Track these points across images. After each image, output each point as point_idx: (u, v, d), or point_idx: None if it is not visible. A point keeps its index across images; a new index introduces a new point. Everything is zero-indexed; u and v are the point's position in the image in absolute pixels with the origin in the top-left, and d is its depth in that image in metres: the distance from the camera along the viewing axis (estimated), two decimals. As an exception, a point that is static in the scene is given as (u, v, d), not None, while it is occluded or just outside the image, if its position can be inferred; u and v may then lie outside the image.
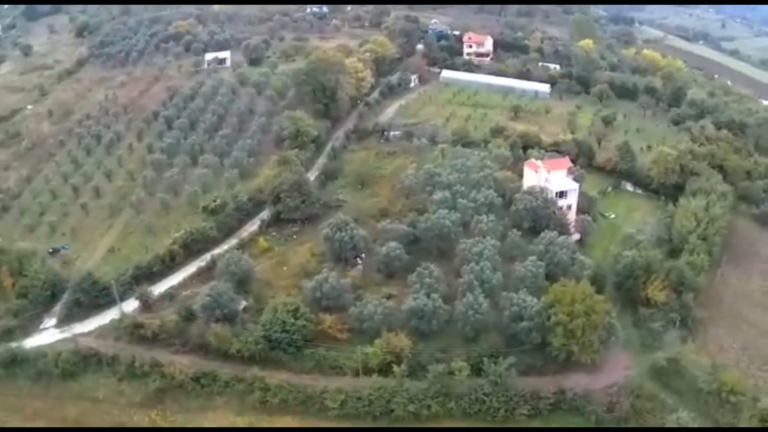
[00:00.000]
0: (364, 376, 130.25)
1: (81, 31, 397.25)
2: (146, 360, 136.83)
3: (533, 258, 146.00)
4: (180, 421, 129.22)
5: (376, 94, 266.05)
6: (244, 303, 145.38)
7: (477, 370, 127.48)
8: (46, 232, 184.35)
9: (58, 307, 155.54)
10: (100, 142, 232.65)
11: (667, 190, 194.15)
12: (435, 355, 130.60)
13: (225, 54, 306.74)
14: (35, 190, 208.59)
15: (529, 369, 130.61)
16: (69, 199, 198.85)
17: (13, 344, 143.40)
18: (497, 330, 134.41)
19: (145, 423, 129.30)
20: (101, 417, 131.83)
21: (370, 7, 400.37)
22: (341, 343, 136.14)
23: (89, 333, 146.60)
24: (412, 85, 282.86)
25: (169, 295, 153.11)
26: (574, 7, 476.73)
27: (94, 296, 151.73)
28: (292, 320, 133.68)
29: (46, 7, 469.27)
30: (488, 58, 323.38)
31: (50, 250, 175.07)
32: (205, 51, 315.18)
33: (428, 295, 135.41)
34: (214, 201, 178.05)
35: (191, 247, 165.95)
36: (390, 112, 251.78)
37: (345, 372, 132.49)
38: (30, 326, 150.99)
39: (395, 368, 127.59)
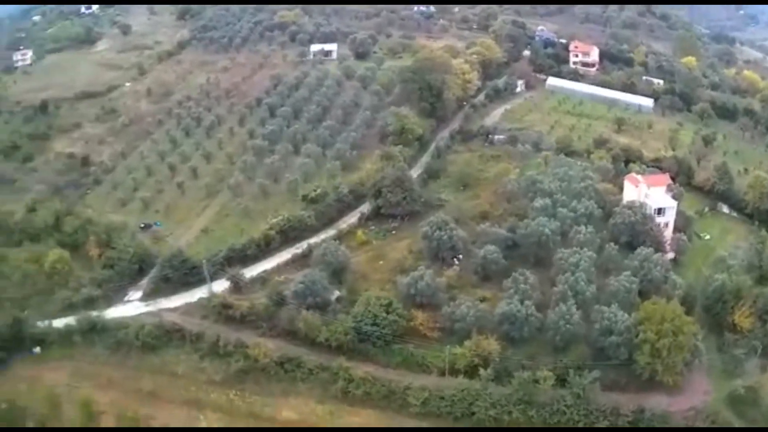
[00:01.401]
0: (450, 377, 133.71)
1: (183, 14, 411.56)
2: (231, 340, 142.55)
3: (627, 273, 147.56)
4: (258, 404, 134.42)
5: (482, 97, 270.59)
6: (337, 293, 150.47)
7: (561, 381, 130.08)
8: (138, 207, 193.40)
9: (145, 281, 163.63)
10: (200, 124, 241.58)
11: (762, 215, 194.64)
12: (522, 362, 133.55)
13: (331, 46, 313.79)
14: (130, 166, 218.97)
15: (613, 384, 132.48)
16: (165, 177, 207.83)
17: (94, 313, 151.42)
18: (586, 342, 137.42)
19: (222, 402, 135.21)
20: (177, 392, 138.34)
21: (477, 10, 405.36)
22: (430, 341, 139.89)
23: (175, 309, 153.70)
24: (518, 90, 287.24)
25: (262, 279, 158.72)
26: (678, 23, 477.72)
27: (183, 274, 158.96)
28: (384, 314, 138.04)
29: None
30: (593, 69, 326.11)
31: (142, 226, 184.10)
32: (310, 42, 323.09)
33: (522, 302, 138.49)
34: (315, 190, 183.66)
35: (288, 234, 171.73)
36: (495, 115, 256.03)
37: (431, 371, 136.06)
38: (114, 297, 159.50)
39: (481, 371, 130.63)
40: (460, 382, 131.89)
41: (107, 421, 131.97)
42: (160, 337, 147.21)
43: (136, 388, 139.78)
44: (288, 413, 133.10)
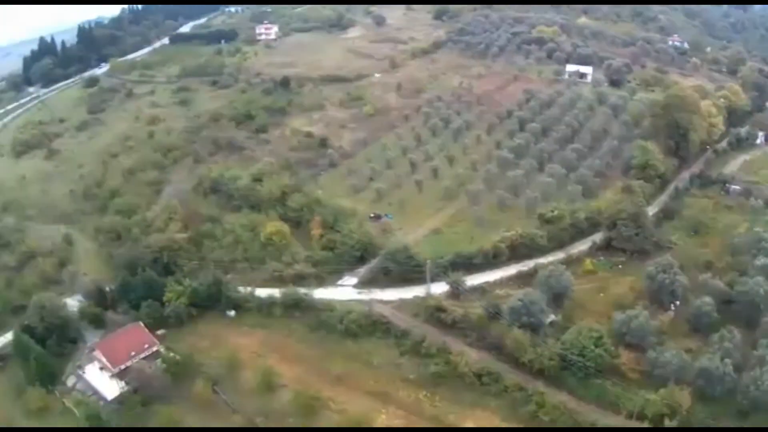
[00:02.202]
0: (636, 421, 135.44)
1: (440, 15, 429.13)
2: (436, 343, 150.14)
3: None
4: (445, 410, 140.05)
5: (724, 144, 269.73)
6: (552, 317, 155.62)
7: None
8: (371, 197, 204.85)
9: (363, 270, 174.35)
10: (448, 126, 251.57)
11: None
12: (706, 419, 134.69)
13: (587, 69, 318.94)
14: (369, 155, 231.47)
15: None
16: (404, 172, 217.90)
17: (302, 290, 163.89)
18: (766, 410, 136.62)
19: (409, 400, 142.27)
20: (366, 382, 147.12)
21: (728, 52, 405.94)
22: (628, 382, 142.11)
23: (387, 302, 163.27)
24: (758, 141, 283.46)
25: (481, 290, 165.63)
26: None
27: (405, 270, 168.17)
28: (592, 347, 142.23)
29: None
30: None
31: (372, 215, 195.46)
32: (567, 62, 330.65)
33: (722, 359, 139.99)
34: (552, 211, 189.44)
35: (517, 250, 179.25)
36: (734, 164, 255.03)
37: (620, 411, 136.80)
38: (326, 279, 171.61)
39: (666, 422, 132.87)
40: (644, 428, 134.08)
41: (285, 395, 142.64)
42: (364, 326, 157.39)
43: (324, 369, 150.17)
44: (470, 424, 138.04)
